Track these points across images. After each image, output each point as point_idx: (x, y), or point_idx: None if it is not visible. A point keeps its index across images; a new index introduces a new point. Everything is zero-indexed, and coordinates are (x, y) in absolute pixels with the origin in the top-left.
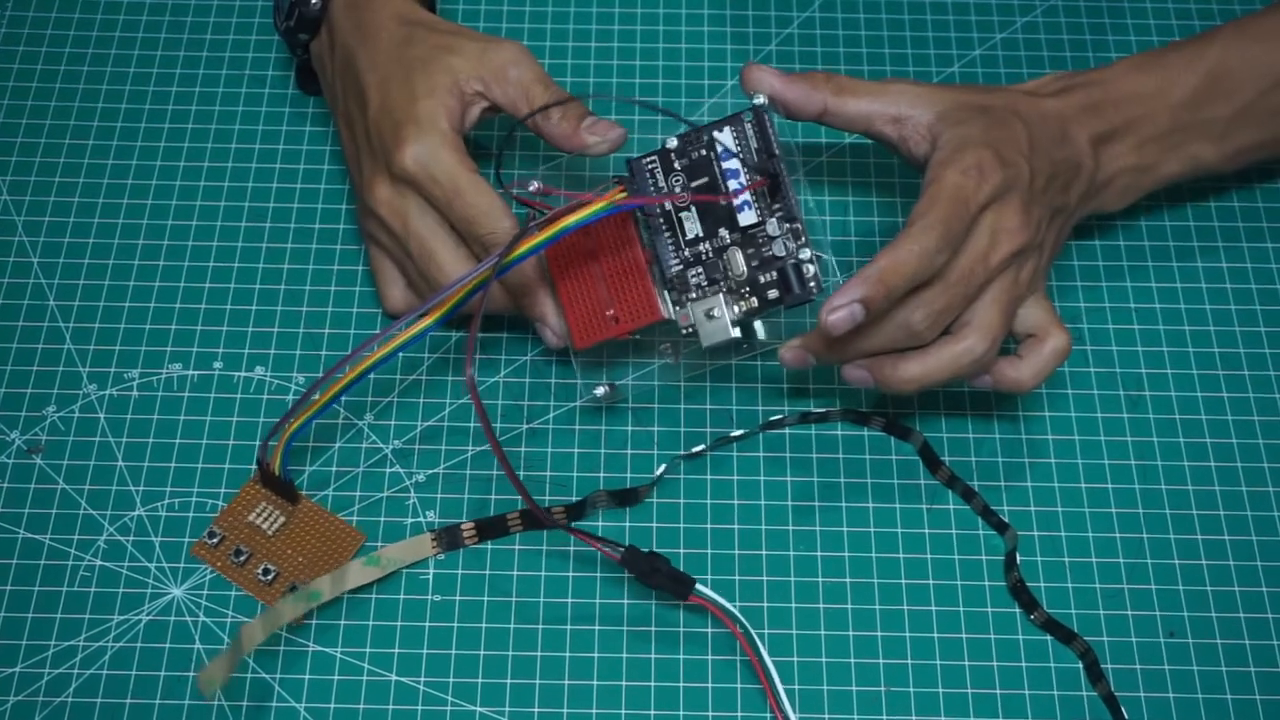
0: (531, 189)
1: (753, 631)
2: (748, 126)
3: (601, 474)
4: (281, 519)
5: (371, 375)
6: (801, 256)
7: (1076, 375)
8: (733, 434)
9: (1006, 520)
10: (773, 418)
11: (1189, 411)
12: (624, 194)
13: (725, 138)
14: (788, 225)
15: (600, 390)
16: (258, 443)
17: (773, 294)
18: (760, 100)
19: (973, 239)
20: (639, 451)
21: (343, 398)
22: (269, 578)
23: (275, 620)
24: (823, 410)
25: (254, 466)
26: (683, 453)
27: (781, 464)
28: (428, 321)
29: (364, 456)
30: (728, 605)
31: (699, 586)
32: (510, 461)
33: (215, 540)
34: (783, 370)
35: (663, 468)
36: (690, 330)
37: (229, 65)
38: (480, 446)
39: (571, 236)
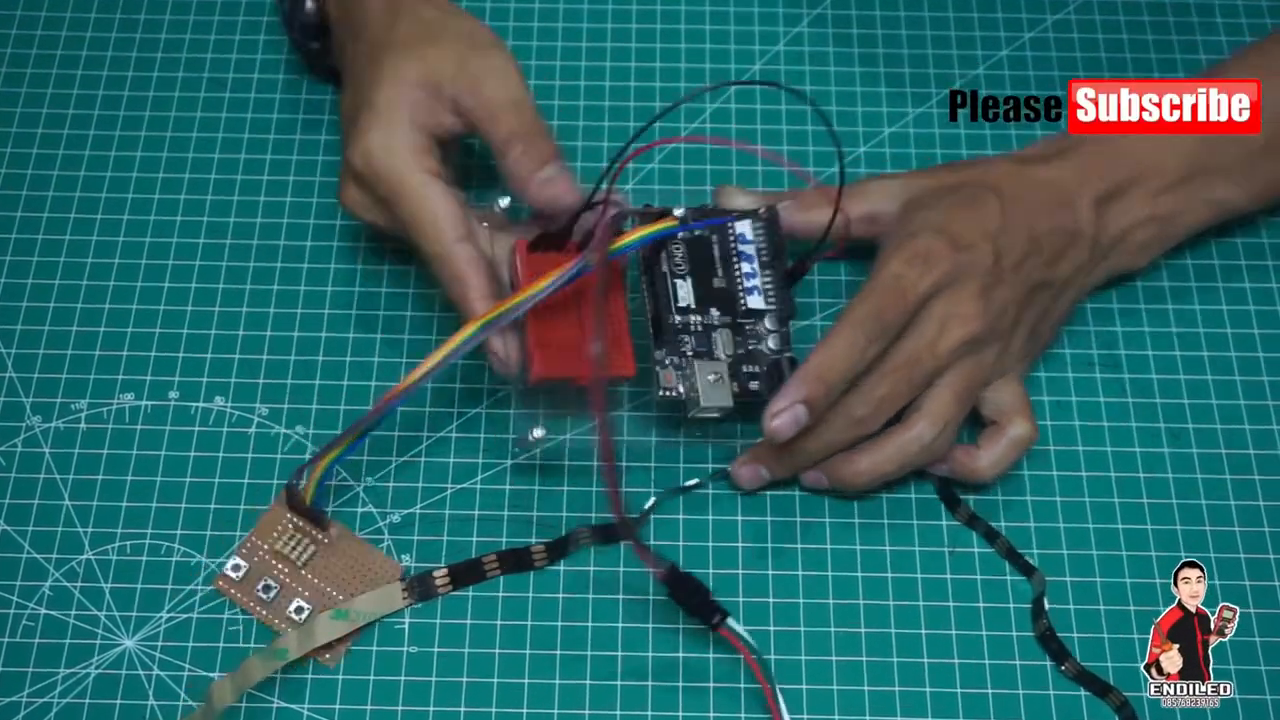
0: (502, 205)
1: (778, 686)
2: (761, 224)
3: (594, 514)
4: (311, 548)
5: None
6: (787, 357)
7: (1112, 406)
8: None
9: (1034, 563)
10: None
11: (1235, 446)
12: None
13: (744, 227)
14: (784, 328)
15: (538, 432)
16: (274, 478)
17: (755, 385)
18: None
19: (919, 326)
20: (633, 489)
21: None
22: (302, 615)
23: (245, 680)
24: None
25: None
26: (675, 487)
27: (790, 502)
28: (474, 326)
29: (334, 495)
30: (755, 645)
31: (730, 621)
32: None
33: (240, 573)
34: None
35: (651, 502)
36: (670, 392)
37: (185, 67)
38: (460, 485)
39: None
